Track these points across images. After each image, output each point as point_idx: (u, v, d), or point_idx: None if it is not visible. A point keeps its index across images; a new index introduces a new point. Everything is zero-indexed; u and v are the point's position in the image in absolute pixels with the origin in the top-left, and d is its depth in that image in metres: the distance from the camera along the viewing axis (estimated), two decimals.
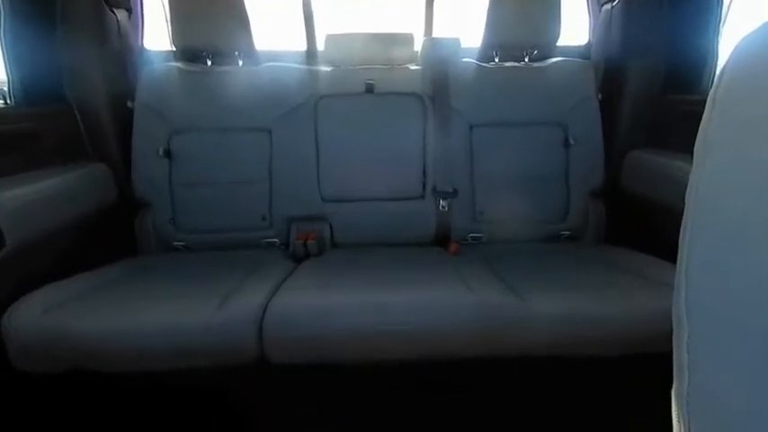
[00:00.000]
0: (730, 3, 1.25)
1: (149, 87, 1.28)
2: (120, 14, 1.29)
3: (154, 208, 1.29)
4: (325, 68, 1.38)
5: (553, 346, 0.87)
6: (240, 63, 1.33)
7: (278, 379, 0.95)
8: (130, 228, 1.31)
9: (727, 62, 0.28)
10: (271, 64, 1.34)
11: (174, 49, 1.33)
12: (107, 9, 1.25)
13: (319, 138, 1.31)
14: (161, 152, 1.25)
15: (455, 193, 1.27)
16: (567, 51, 1.41)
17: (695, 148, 0.29)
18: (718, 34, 1.24)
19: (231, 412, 1.00)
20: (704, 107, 0.28)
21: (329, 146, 1.31)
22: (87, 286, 0.99)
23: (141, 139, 1.27)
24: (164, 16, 1.36)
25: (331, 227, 1.31)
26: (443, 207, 1.27)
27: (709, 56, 1.24)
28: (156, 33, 1.46)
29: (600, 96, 1.34)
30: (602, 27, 1.38)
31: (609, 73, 1.35)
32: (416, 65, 1.41)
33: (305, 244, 1.20)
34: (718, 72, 0.28)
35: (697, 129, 0.29)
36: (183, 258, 1.24)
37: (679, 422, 0.27)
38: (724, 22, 1.24)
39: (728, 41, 1.26)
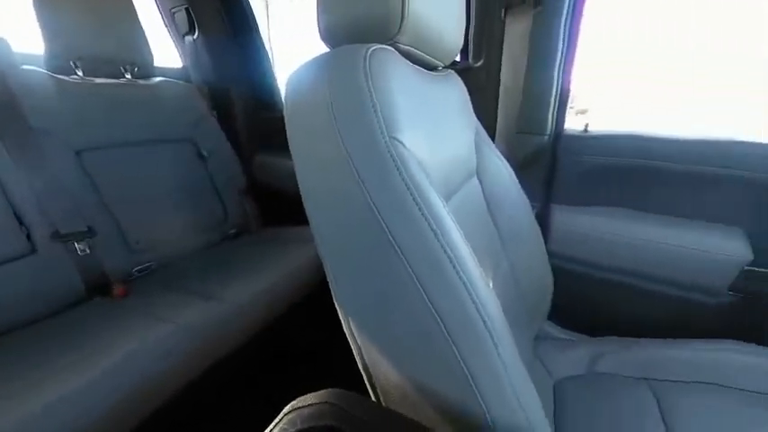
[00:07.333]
0: (271, 48, 1.77)
1: None
2: None
3: None
4: None
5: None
6: None
7: None
8: None
9: (287, 91, 0.42)
10: None
11: None
12: None
13: None
14: None
15: (91, 231, 1.03)
16: (166, 72, 1.41)
17: (290, 149, 0.43)
18: (272, 69, 1.60)
19: None
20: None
21: None
22: None
23: None
24: None
25: None
26: (83, 251, 1.02)
27: (274, 84, 1.62)
28: None
29: (215, 114, 1.47)
30: (191, 55, 1.51)
31: (214, 95, 1.52)
32: None
33: None
34: (284, 97, 0.43)
35: (283, 136, 0.43)
36: None
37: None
38: (273, 61, 1.69)
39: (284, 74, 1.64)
